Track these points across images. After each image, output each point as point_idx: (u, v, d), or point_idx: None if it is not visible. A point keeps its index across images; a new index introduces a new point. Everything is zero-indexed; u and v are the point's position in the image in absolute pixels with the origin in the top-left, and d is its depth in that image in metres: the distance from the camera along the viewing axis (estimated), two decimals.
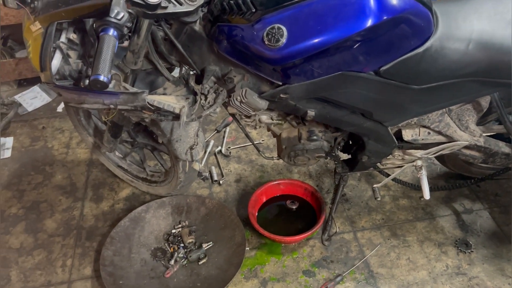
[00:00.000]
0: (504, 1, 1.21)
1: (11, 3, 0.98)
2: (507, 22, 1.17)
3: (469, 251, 1.66)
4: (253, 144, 1.64)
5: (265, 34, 1.06)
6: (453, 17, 1.19)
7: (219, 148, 2.17)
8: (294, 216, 1.81)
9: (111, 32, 0.96)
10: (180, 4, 1.07)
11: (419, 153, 1.51)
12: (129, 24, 1.00)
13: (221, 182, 1.99)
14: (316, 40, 1.04)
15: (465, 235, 1.73)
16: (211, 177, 2.02)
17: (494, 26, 1.17)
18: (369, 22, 1.02)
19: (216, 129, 2.27)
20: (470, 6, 1.22)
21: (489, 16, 1.19)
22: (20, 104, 2.45)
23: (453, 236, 1.73)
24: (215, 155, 2.14)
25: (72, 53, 1.12)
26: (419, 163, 1.55)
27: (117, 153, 1.92)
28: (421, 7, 1.09)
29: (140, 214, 1.76)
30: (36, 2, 1.03)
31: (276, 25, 1.05)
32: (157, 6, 1.02)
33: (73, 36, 1.11)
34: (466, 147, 1.50)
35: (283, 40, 1.05)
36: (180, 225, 1.77)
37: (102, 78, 0.91)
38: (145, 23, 1.13)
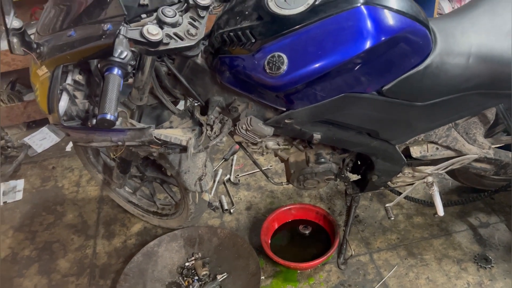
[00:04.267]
0: (500, 14, 1.22)
1: (18, 50, 1.01)
2: (505, 34, 1.18)
3: (489, 266, 1.62)
4: (261, 170, 1.63)
5: (266, 63, 1.08)
6: (451, 33, 1.20)
7: (228, 176, 2.17)
8: (307, 241, 1.79)
9: (116, 71, 0.97)
10: (181, 39, 1.09)
11: (429, 169, 1.49)
12: (132, 62, 1.02)
13: (231, 210, 1.98)
14: (316, 65, 1.05)
15: (484, 250, 1.69)
16: (222, 206, 2.01)
17: (493, 38, 1.18)
18: (368, 44, 1.03)
19: (223, 158, 2.27)
20: (467, 20, 1.23)
21: (487, 29, 1.20)
22: (29, 146, 2.48)
23: (471, 251, 1.69)
24: (224, 183, 2.14)
25: (78, 94, 1.14)
26: (430, 179, 1.53)
27: (127, 188, 1.93)
28: (418, 25, 1.10)
29: (152, 249, 1.75)
30: (41, 48, 1.06)
31: (276, 53, 1.07)
32: (159, 43, 1.04)
33: (78, 77, 1.13)
34: (476, 160, 1.49)
35: (284, 67, 1.06)
36: (193, 257, 1.75)
37: (109, 117, 0.93)
38: (149, 60, 1.15)
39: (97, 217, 2.04)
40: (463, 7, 1.30)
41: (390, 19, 1.06)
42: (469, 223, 1.81)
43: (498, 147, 1.52)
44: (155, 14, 1.10)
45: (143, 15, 1.36)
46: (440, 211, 1.53)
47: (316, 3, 1.07)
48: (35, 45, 1.04)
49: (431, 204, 1.63)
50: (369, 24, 1.04)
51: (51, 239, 1.95)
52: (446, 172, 1.67)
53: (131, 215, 2.00)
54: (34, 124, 2.67)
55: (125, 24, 1.01)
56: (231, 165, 2.25)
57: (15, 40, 0.99)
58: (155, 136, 1.20)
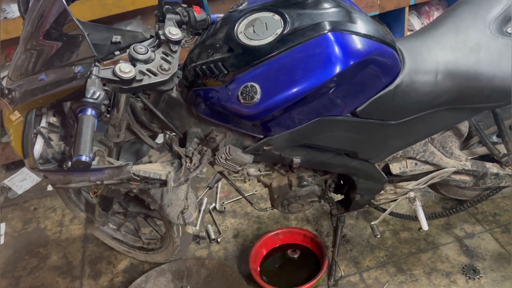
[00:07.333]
0: (463, 31, 1.26)
1: None
2: (469, 50, 1.22)
3: (478, 277, 1.63)
4: (244, 198, 1.63)
5: (239, 93, 1.09)
6: (418, 52, 1.23)
7: (213, 204, 2.16)
8: (297, 265, 1.78)
9: (89, 112, 0.96)
10: (155, 74, 1.09)
11: (410, 184, 1.51)
12: (106, 102, 1.01)
13: (219, 239, 1.96)
14: (288, 93, 1.06)
15: (471, 261, 1.70)
16: (209, 235, 1.99)
17: (458, 55, 1.21)
18: (337, 69, 1.05)
19: (208, 186, 2.26)
20: (432, 39, 1.27)
21: (451, 46, 1.23)
22: (9, 189, 2.44)
23: (459, 263, 1.70)
24: (210, 212, 2.12)
25: (53, 136, 1.13)
26: (411, 194, 1.55)
27: (110, 225, 1.89)
28: (385, 47, 1.13)
29: (140, 285, 1.72)
30: (13, 93, 1.05)
31: (249, 84, 1.08)
32: (132, 80, 1.04)
33: (53, 119, 1.12)
34: (455, 173, 1.51)
35: (258, 96, 1.08)
36: None
37: (84, 158, 0.92)
38: (123, 97, 1.15)
39: (82, 256, 1.99)
40: (428, 26, 1.35)
41: (357, 43, 1.09)
42: (454, 235, 1.82)
43: (475, 158, 1.55)
44: (128, 51, 1.11)
45: (117, 52, 1.37)
46: (424, 226, 1.54)
47: (284, 32, 1.09)
48: (6, 91, 1.04)
49: (416, 219, 1.64)
50: (337, 49, 1.06)
51: (36, 284, 1.89)
52: (428, 186, 1.69)
53: (117, 252, 1.96)
54: (13, 166, 2.62)
55: (97, 64, 1.02)
56: (216, 193, 2.23)
57: None
58: (133, 173, 1.19)
